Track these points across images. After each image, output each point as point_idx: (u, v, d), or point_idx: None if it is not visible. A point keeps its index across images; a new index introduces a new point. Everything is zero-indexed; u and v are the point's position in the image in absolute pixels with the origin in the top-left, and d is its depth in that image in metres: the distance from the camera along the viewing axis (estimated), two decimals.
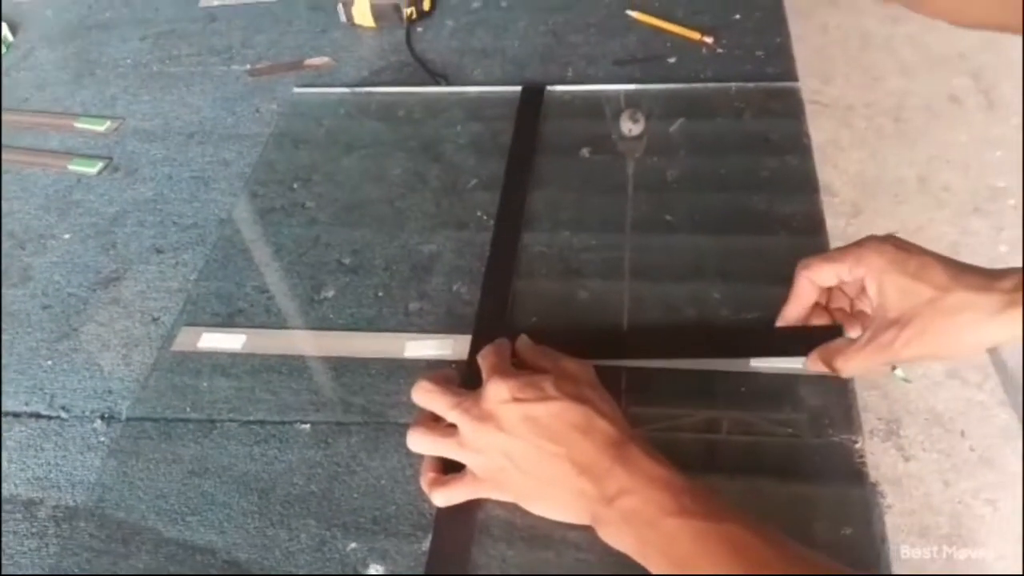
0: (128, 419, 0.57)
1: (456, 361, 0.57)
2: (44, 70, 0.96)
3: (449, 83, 0.84)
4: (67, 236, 0.74)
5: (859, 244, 0.48)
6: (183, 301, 0.64)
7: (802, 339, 0.51)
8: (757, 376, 0.53)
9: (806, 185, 0.66)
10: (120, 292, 0.68)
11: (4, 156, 0.83)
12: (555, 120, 0.77)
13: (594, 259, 0.63)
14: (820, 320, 0.52)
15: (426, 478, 0.48)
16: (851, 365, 0.48)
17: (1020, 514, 1.23)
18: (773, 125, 0.73)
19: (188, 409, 0.57)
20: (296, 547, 0.49)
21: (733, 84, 0.78)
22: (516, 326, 0.58)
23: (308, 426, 0.55)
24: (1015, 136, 1.90)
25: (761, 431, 0.50)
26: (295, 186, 0.74)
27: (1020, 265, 0.43)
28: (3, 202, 0.78)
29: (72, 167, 0.81)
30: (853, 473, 0.48)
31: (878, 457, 1.38)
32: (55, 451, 0.57)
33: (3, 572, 0.47)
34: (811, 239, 0.61)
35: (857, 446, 0.49)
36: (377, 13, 0.93)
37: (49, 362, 0.63)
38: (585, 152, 0.73)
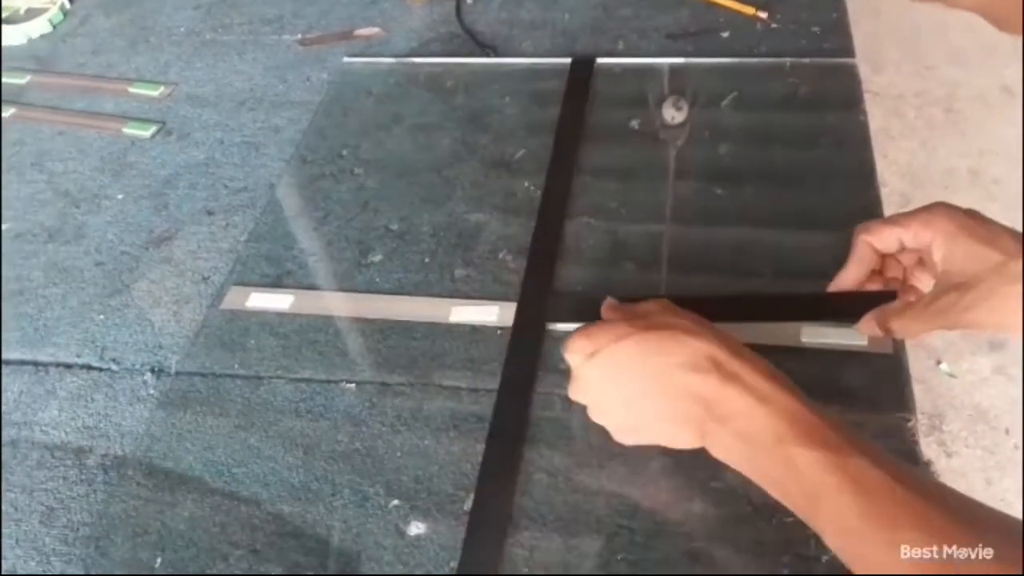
0: (177, 373, 0.57)
1: (501, 328, 0.57)
2: (100, 36, 0.97)
3: (498, 55, 0.84)
4: (120, 196, 0.75)
5: (927, 209, 0.46)
6: (233, 261, 0.65)
7: (856, 304, 0.49)
8: (806, 351, 0.52)
9: (862, 164, 0.65)
10: (171, 251, 0.68)
11: (60, 118, 0.85)
12: (605, 93, 0.76)
13: (639, 232, 0.63)
14: (873, 283, 0.50)
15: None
16: (910, 327, 0.46)
17: None
18: (829, 102, 0.71)
19: (236, 365, 0.57)
20: (339, 502, 0.49)
21: (788, 59, 0.76)
22: (561, 295, 0.59)
23: (353, 386, 0.55)
24: None
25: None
26: (344, 153, 0.74)
27: None
28: (60, 162, 0.80)
29: (126, 130, 0.82)
30: (906, 452, 0.46)
31: (923, 449, 1.35)
32: (105, 401, 0.58)
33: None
34: (866, 215, 0.56)
35: (910, 424, 0.48)
36: None
37: (101, 316, 0.64)
38: (635, 124, 0.72)
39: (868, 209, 0.61)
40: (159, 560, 0.48)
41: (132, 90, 0.87)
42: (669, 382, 0.41)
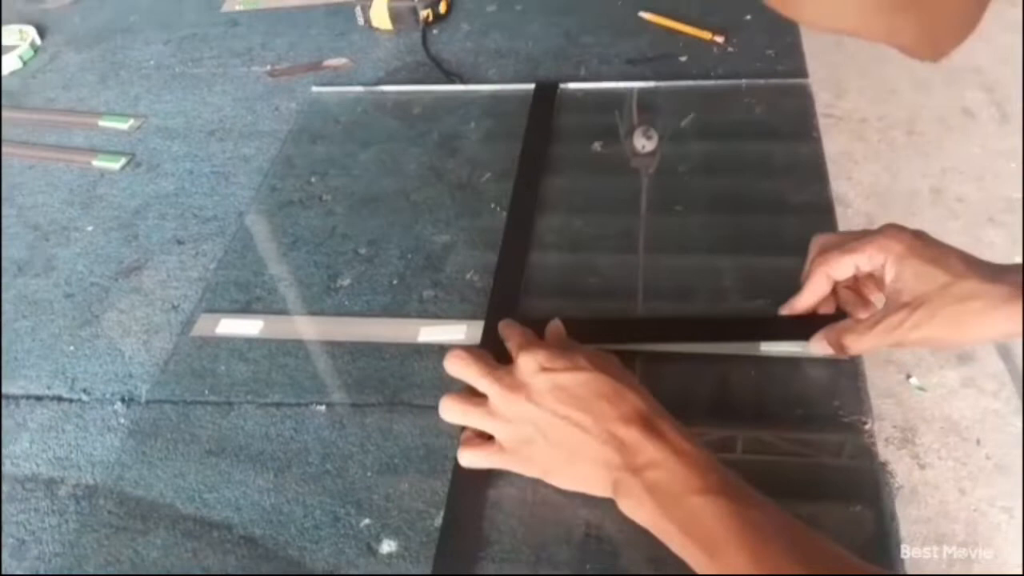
0: (148, 402, 0.57)
1: (470, 346, 0.56)
2: (70, 72, 0.98)
3: (464, 82, 0.85)
4: (90, 228, 0.74)
5: (879, 232, 0.48)
6: (202, 289, 0.65)
7: (808, 324, 0.52)
8: (766, 360, 0.53)
9: (815, 174, 0.67)
10: (141, 281, 0.68)
11: (30, 152, 0.85)
12: (568, 116, 0.77)
13: (605, 248, 0.63)
14: (826, 308, 0.53)
15: (462, 437, 0.48)
16: (861, 343, 0.48)
17: None
18: (784, 119, 0.73)
19: (206, 392, 0.57)
20: (310, 523, 0.49)
21: (744, 80, 0.79)
22: (528, 312, 0.59)
23: (323, 407, 0.55)
24: None
25: (771, 414, 0.50)
26: (312, 180, 0.75)
27: None
28: (29, 196, 0.79)
29: (96, 163, 0.81)
30: (863, 451, 0.48)
31: (893, 465, 1.37)
32: (76, 432, 0.57)
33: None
34: (821, 223, 0.61)
35: (867, 427, 0.49)
36: (394, 16, 0.95)
37: (71, 348, 0.63)
38: (597, 146, 0.74)
39: (821, 203, 0.63)
40: None
41: (102, 123, 0.87)
42: (602, 426, 0.42)
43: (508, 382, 0.45)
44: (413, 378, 0.56)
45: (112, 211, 0.76)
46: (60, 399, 0.59)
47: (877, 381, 1.49)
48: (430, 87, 0.84)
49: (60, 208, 0.77)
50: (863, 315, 0.50)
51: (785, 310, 0.53)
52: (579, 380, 0.44)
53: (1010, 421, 1.42)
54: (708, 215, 0.65)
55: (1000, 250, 1.71)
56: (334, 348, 0.59)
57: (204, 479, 0.52)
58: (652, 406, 0.43)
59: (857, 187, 1.88)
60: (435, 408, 0.50)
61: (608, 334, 0.54)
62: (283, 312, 0.62)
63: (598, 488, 0.43)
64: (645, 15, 0.91)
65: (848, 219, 1.79)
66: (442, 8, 0.96)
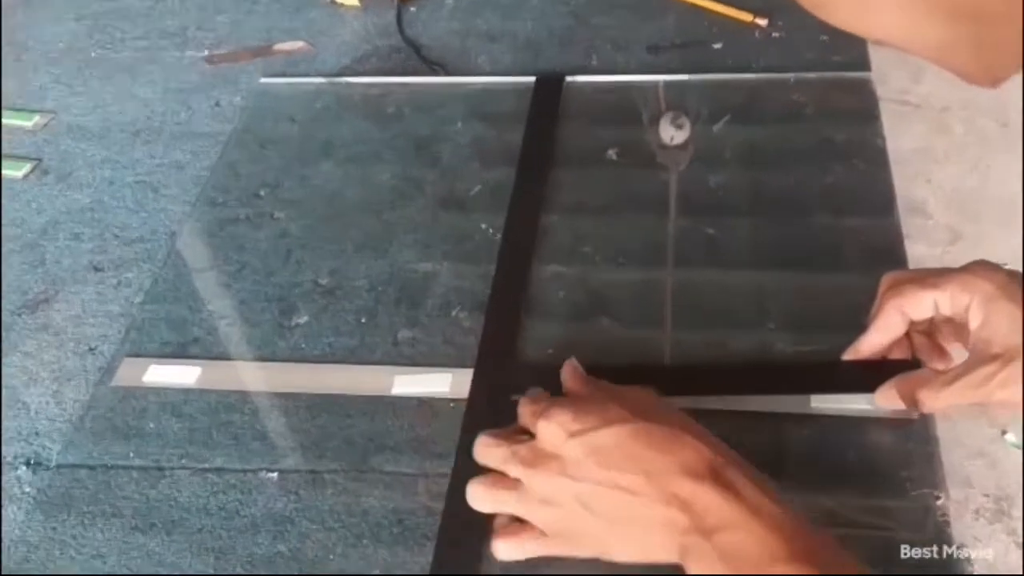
0: (59, 466, 0.57)
1: (455, 400, 0.58)
2: None
3: (448, 72, 0.86)
4: None
5: (964, 269, 0.49)
6: (125, 328, 0.66)
7: (873, 373, 0.53)
8: (819, 419, 0.54)
9: (881, 196, 0.68)
10: (50, 317, 0.69)
11: None
12: (576, 117, 0.78)
13: (623, 283, 0.64)
14: (899, 352, 0.53)
15: (495, 524, 0.49)
16: (938, 398, 0.48)
17: None
18: (841, 124, 0.74)
19: (131, 454, 0.58)
20: None
21: (792, 74, 0.80)
22: (528, 359, 0.60)
23: (276, 475, 0.55)
24: None
25: (824, 484, 0.51)
26: (262, 193, 0.75)
27: None
28: None
29: None
30: (936, 533, 0.49)
31: (985, 543, 1.36)
32: None
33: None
34: (887, 262, 0.62)
35: (940, 503, 0.50)
36: None
37: None
38: (612, 154, 0.75)
39: (889, 247, 0.64)
40: None
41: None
42: (659, 484, 0.43)
43: (533, 458, 0.46)
44: (385, 439, 0.57)
45: (14, 229, 0.76)
46: None
47: (965, 438, 1.47)
48: (406, 79, 0.85)
49: None
50: (940, 366, 0.51)
51: (849, 354, 0.54)
52: (619, 436, 0.44)
53: None
54: (750, 226, 0.67)
55: None
56: (288, 401, 0.60)
57: (128, 561, 0.52)
58: (719, 451, 0.44)
59: (937, 192, 1.84)
60: (412, 476, 0.52)
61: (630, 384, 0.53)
62: (225, 357, 0.63)
63: (663, 555, 0.43)
64: None
65: (927, 232, 1.75)
66: None
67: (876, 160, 0.71)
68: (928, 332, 0.54)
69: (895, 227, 0.66)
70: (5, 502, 0.58)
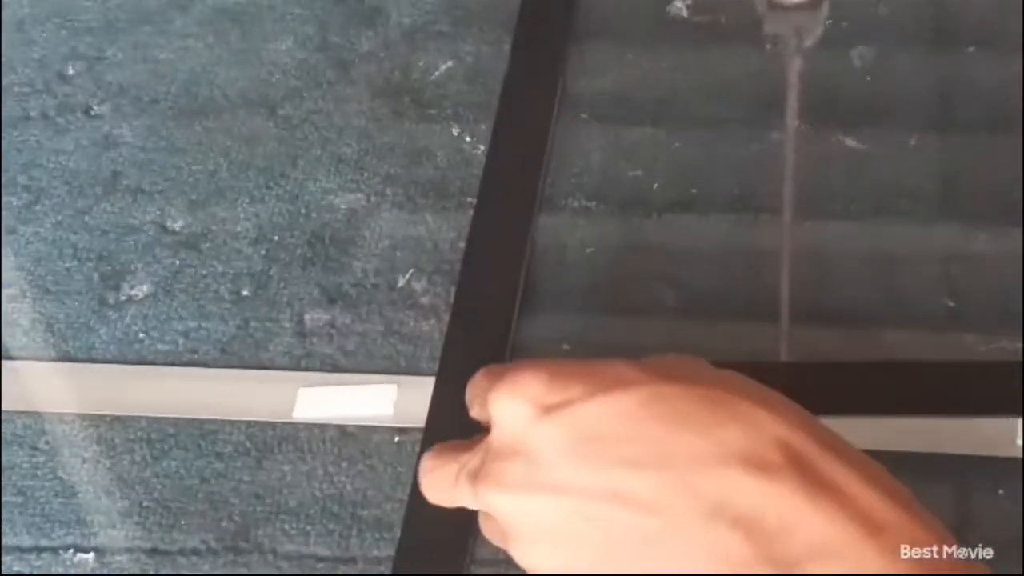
0: None
1: (403, 429, 0.54)
2: None
3: None
4: None
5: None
6: None
7: None
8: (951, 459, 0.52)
9: None
10: None
11: None
12: None
13: (697, 233, 0.61)
14: None
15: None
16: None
17: None
18: None
19: None
20: None
21: None
22: (536, 349, 0.57)
23: (91, 556, 0.52)
24: None
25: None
26: (71, 72, 0.70)
27: None
28: None
29: None
30: None
31: None
32: None
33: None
34: None
35: None
36: None
37: None
38: (679, 7, 0.69)
39: None
40: None
41: None
42: (696, 486, 0.38)
43: (488, 464, 0.43)
44: (282, 495, 0.53)
45: None
46: None
47: None
48: None
49: None
50: None
51: None
52: (625, 406, 0.40)
53: None
54: (922, 146, 0.63)
55: None
56: (117, 432, 0.56)
57: None
58: (811, 430, 0.39)
59: None
60: (327, 562, 0.51)
61: None
62: (6, 356, 0.59)
63: None
64: None
65: None
66: None
67: None
68: None
69: None
70: None
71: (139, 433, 0.56)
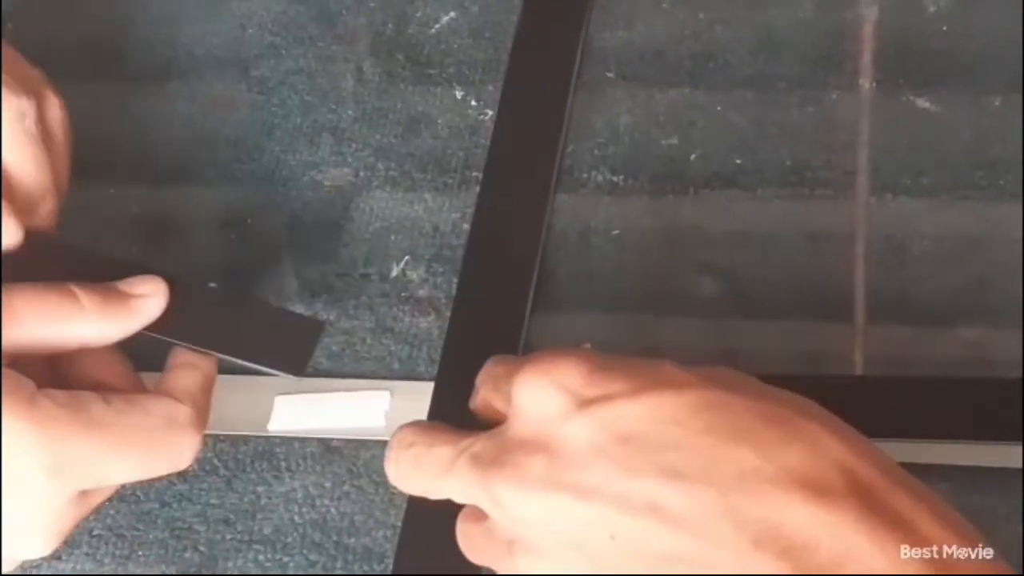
0: None
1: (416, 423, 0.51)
2: None
3: None
4: None
5: None
6: None
7: None
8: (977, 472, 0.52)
9: None
10: None
11: None
12: None
13: (744, 211, 0.59)
14: None
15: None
16: None
17: None
18: None
19: None
20: None
21: None
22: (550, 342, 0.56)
23: None
24: None
25: None
26: (9, 27, 0.69)
27: None
28: None
29: None
30: None
31: None
32: None
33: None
34: None
35: None
36: None
37: None
38: None
39: None
40: None
41: None
42: (745, 504, 0.37)
43: (503, 456, 0.42)
44: (253, 521, 0.52)
45: None
46: None
47: None
48: None
49: None
50: None
51: None
52: (672, 410, 0.39)
53: None
54: (1000, 110, 0.61)
55: None
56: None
57: None
58: (870, 456, 0.39)
59: None
60: None
61: None
62: None
63: None
64: None
65: None
66: None
67: None
68: None
69: None
70: None
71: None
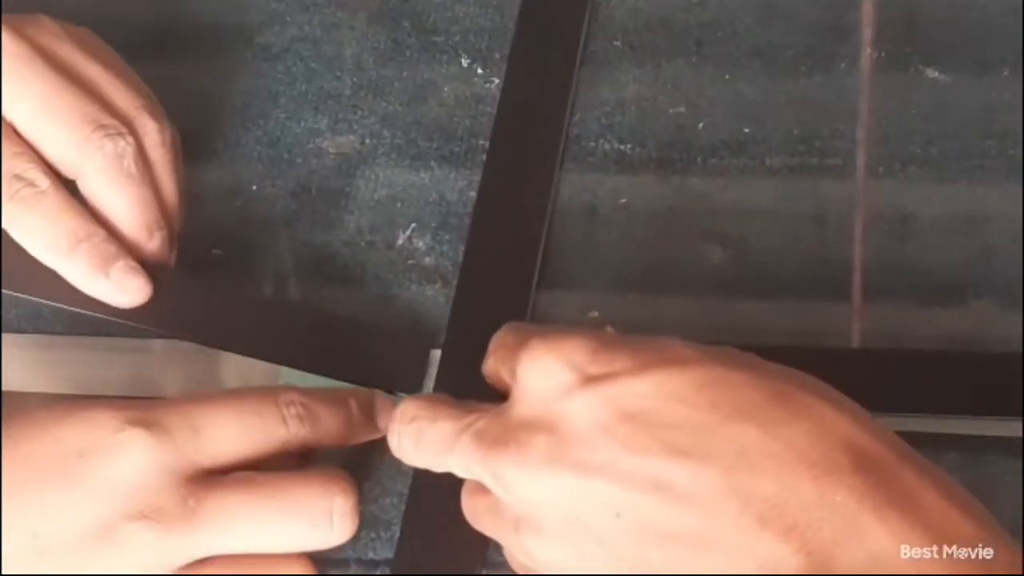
0: None
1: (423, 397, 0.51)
2: None
3: None
4: None
5: None
6: None
7: None
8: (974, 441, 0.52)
9: None
10: None
11: None
12: None
13: (747, 189, 0.59)
14: None
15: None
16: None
17: None
18: None
19: None
20: None
21: None
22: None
23: None
24: None
25: None
26: None
27: None
28: None
29: None
30: None
31: None
32: None
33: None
34: None
35: None
36: None
37: None
38: None
39: None
40: None
41: None
42: (750, 482, 0.38)
43: (507, 434, 0.42)
44: None
45: None
46: None
47: None
48: None
49: None
50: None
51: None
52: (678, 387, 0.40)
53: None
54: (1011, 80, 0.61)
55: None
56: None
57: None
58: (879, 434, 0.39)
59: None
60: None
61: None
62: None
63: None
64: None
65: None
66: None
67: None
68: None
69: None
70: None
71: None
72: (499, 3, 0.67)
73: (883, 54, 0.63)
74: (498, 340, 0.47)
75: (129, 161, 0.50)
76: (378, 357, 0.56)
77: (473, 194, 0.60)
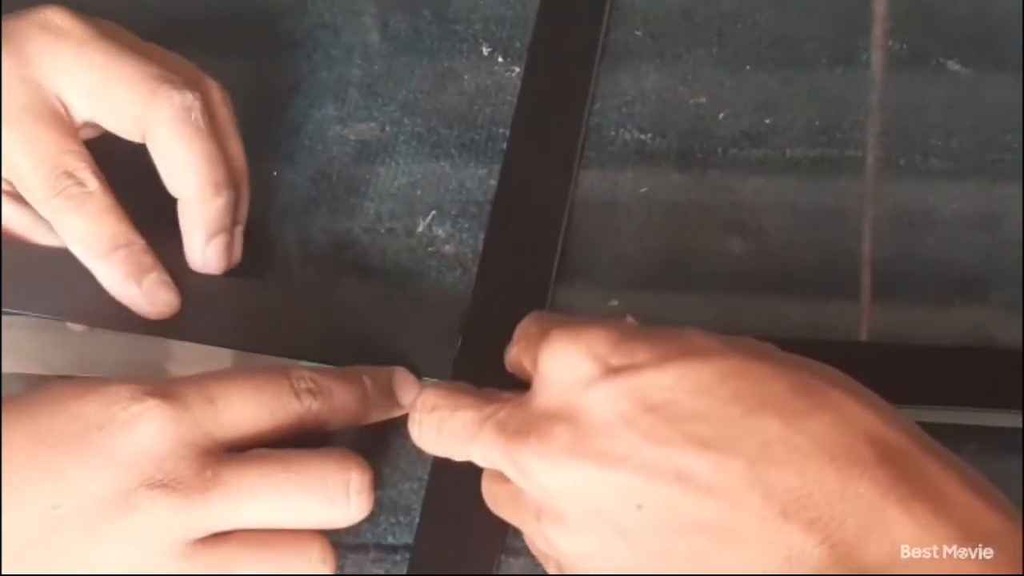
0: None
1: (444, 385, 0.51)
2: None
3: None
4: None
5: None
6: None
7: None
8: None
9: None
10: None
11: None
12: None
13: (767, 179, 0.59)
14: None
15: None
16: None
17: None
18: None
19: None
20: None
21: None
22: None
23: None
24: None
25: None
26: None
27: None
28: None
29: None
30: None
31: None
32: None
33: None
34: None
35: None
36: None
37: None
38: None
39: None
40: None
41: None
42: (773, 474, 0.38)
43: (528, 425, 0.42)
44: None
45: None
46: None
47: None
48: None
49: None
50: None
51: None
52: (701, 378, 0.40)
53: None
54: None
55: None
56: None
57: None
58: (901, 425, 0.39)
59: None
60: None
61: None
62: None
63: None
64: None
65: None
66: None
67: None
68: None
69: None
70: None
71: None
72: None
73: (904, 46, 0.63)
74: (522, 330, 0.47)
75: (197, 114, 0.50)
76: (404, 342, 0.55)
77: (493, 183, 0.59)
